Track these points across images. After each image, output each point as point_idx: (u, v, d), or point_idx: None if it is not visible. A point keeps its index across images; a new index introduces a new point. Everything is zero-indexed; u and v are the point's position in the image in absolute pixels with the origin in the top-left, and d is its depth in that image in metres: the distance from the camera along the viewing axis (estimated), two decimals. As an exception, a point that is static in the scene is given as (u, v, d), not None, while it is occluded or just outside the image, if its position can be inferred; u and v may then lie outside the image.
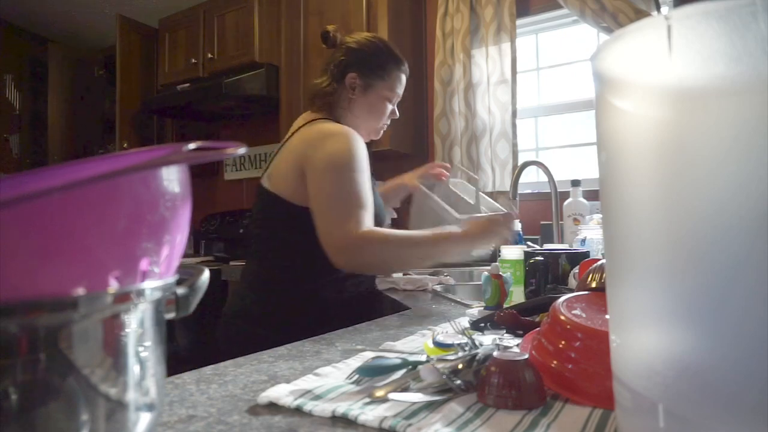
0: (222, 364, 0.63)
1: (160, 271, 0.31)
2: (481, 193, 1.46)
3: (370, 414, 0.44)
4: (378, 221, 1.21)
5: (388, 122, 1.35)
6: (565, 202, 1.71)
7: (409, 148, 2.30)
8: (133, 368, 0.29)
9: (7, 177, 0.32)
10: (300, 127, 1.23)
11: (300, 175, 1.14)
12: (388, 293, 1.28)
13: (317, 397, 0.49)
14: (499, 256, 1.20)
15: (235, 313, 1.23)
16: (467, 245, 1.11)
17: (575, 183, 1.70)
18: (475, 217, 1.23)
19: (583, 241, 1.26)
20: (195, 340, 2.29)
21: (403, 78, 1.33)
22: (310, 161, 1.13)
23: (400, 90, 1.33)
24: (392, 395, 0.48)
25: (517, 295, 1.07)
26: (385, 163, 2.53)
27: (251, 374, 0.59)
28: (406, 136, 2.29)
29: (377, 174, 2.69)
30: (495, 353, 0.51)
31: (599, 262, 0.72)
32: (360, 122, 1.29)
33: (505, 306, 0.90)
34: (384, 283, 1.45)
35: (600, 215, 0.96)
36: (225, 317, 1.25)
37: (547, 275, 0.98)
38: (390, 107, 1.32)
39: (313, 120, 1.24)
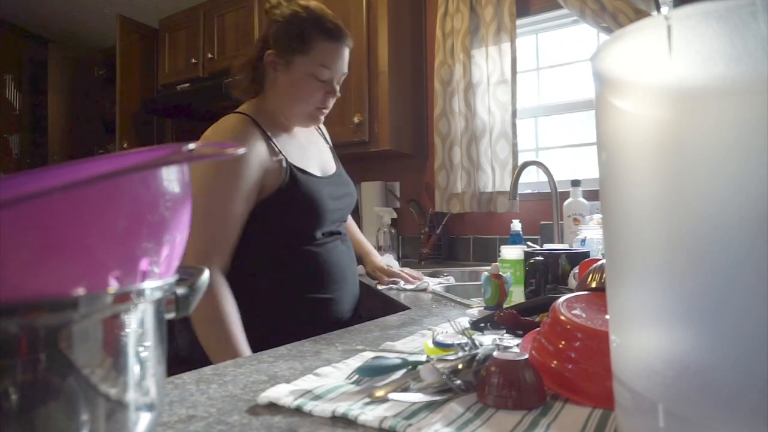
0: (222, 364, 0.63)
1: (160, 271, 0.31)
2: None
3: (370, 414, 0.44)
4: (314, 214, 1.12)
5: (329, 104, 1.19)
6: (565, 202, 1.71)
7: (409, 148, 2.30)
8: (133, 368, 0.29)
9: (7, 177, 0.32)
10: None
11: None
12: (387, 293, 1.28)
13: (317, 397, 0.49)
14: (499, 256, 1.20)
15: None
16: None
17: (575, 183, 1.70)
18: None
19: (583, 241, 1.26)
20: (195, 340, 2.28)
21: (337, 49, 1.14)
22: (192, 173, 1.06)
23: (334, 64, 1.14)
24: (392, 395, 0.48)
25: (517, 295, 1.07)
26: (385, 163, 2.53)
27: (251, 374, 0.59)
28: (406, 136, 2.29)
29: (378, 174, 2.68)
30: (495, 353, 0.51)
31: (599, 262, 0.72)
32: (286, 105, 1.15)
33: (505, 306, 0.90)
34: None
35: (600, 215, 0.96)
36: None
37: (547, 275, 0.98)
38: (319, 84, 1.14)
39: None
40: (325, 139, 1.39)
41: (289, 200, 1.11)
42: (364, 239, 1.55)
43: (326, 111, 1.20)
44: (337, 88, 1.18)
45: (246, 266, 1.09)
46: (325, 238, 1.17)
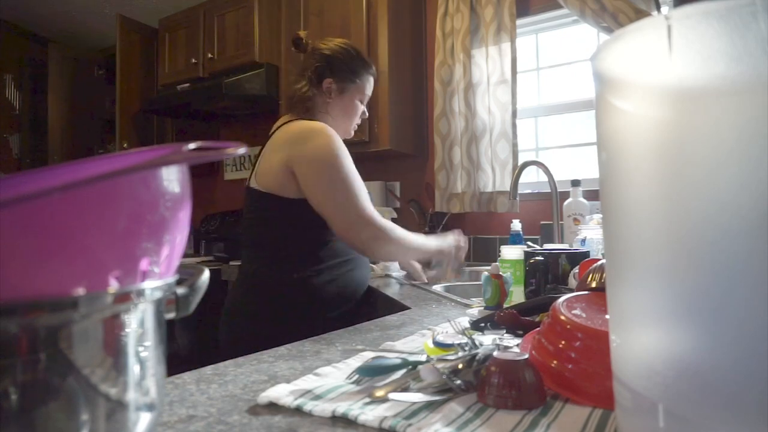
0: (222, 364, 0.63)
1: (160, 271, 0.31)
2: None
3: (370, 414, 0.44)
4: None
5: (360, 121, 1.48)
6: (565, 202, 1.71)
7: (409, 148, 2.30)
8: (133, 368, 0.29)
9: (7, 177, 0.32)
10: (279, 127, 1.32)
11: (287, 170, 1.22)
12: (386, 292, 1.28)
13: (317, 397, 0.49)
14: (499, 256, 1.20)
15: (230, 311, 1.28)
16: (433, 256, 1.41)
17: (575, 183, 1.70)
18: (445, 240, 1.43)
19: (583, 241, 1.26)
20: (195, 340, 2.29)
21: (372, 80, 1.45)
22: (297, 157, 1.22)
23: (369, 91, 1.45)
24: (392, 395, 0.48)
25: (517, 295, 1.07)
26: (385, 163, 2.53)
27: (251, 374, 0.59)
28: (406, 136, 2.29)
29: (378, 174, 2.68)
30: (495, 353, 0.51)
31: (599, 262, 0.72)
32: (336, 123, 1.38)
33: (505, 306, 0.90)
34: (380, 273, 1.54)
35: (600, 215, 0.96)
36: (223, 316, 1.29)
37: (547, 275, 0.98)
38: (361, 107, 1.44)
39: (290, 120, 1.32)
40: None
41: None
42: None
43: (357, 127, 1.50)
44: (366, 110, 1.48)
45: (276, 260, 1.25)
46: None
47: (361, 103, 1.44)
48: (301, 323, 1.20)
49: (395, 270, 1.76)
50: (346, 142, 1.32)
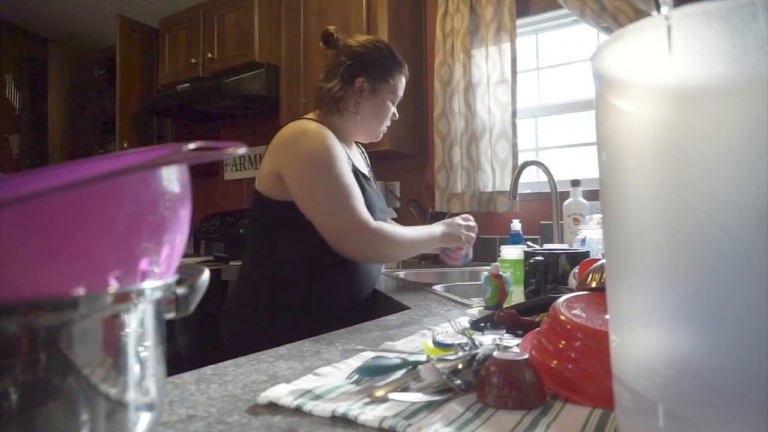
0: (222, 364, 0.63)
1: (160, 271, 0.31)
2: None
3: (370, 414, 0.44)
4: (375, 218, 1.24)
5: (389, 123, 1.39)
6: (565, 202, 1.71)
7: (409, 148, 2.30)
8: (133, 368, 0.29)
9: (7, 177, 0.32)
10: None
11: (275, 174, 1.19)
12: (386, 292, 1.28)
13: (317, 397, 0.49)
14: (499, 256, 1.20)
15: (230, 311, 1.27)
16: (443, 243, 1.37)
17: (575, 183, 1.70)
18: (448, 220, 1.41)
19: (583, 241, 1.26)
20: (195, 340, 2.29)
21: (404, 80, 1.37)
22: (285, 162, 1.18)
23: (401, 92, 1.37)
24: (392, 395, 0.48)
25: (517, 295, 1.07)
26: (385, 163, 2.53)
27: (251, 374, 0.59)
28: (406, 136, 2.29)
29: (377, 174, 2.69)
30: (495, 353, 0.51)
31: (599, 262, 0.72)
32: (366, 124, 1.33)
33: (505, 306, 0.90)
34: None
35: (600, 215, 0.96)
36: (224, 316, 1.28)
37: (547, 275, 0.98)
38: (392, 109, 1.36)
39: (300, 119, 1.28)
40: (363, 154, 1.52)
41: None
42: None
43: (386, 130, 1.41)
44: (396, 111, 1.39)
45: (272, 263, 1.22)
46: None
47: (392, 104, 1.36)
48: (301, 324, 1.19)
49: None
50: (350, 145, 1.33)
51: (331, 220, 1.16)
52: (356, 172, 1.27)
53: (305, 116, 1.31)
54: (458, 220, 1.41)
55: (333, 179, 1.16)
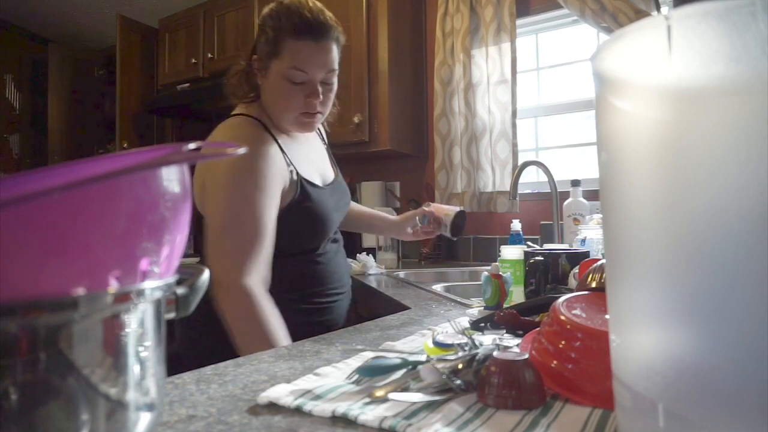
0: (222, 364, 0.63)
1: (160, 271, 0.31)
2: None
3: (370, 414, 0.44)
4: (323, 229, 1.11)
5: (317, 107, 1.06)
6: (565, 202, 1.71)
7: (409, 148, 2.30)
8: (133, 368, 0.29)
9: (7, 177, 0.32)
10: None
11: (202, 182, 1.01)
12: (386, 292, 1.28)
13: (317, 397, 0.49)
14: (499, 256, 1.20)
15: (186, 320, 1.11)
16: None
17: (575, 183, 1.70)
18: None
19: (583, 241, 1.26)
20: (195, 340, 2.28)
21: (309, 47, 1.01)
22: (208, 173, 1.00)
23: (307, 64, 1.01)
24: (392, 395, 0.48)
25: (517, 295, 1.07)
26: (385, 163, 2.53)
27: (251, 374, 0.59)
28: (406, 136, 2.29)
29: (378, 174, 2.68)
30: (495, 353, 0.51)
31: (599, 262, 0.72)
32: (272, 112, 1.08)
33: (505, 306, 0.90)
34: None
35: (600, 215, 0.96)
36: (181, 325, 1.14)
37: (547, 275, 0.98)
38: (297, 88, 1.03)
39: (234, 114, 1.10)
40: (323, 138, 1.31)
41: (299, 216, 1.07)
42: (367, 209, 1.48)
43: (318, 116, 1.08)
44: (320, 89, 1.05)
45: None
46: (326, 247, 1.15)
47: (292, 82, 1.02)
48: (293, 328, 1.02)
49: (372, 267, 1.77)
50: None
51: (211, 253, 0.95)
52: (300, 180, 1.07)
53: (237, 112, 1.11)
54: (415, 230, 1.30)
55: (226, 201, 0.96)
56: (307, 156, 1.16)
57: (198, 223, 1.04)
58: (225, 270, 0.91)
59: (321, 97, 1.05)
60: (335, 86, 1.09)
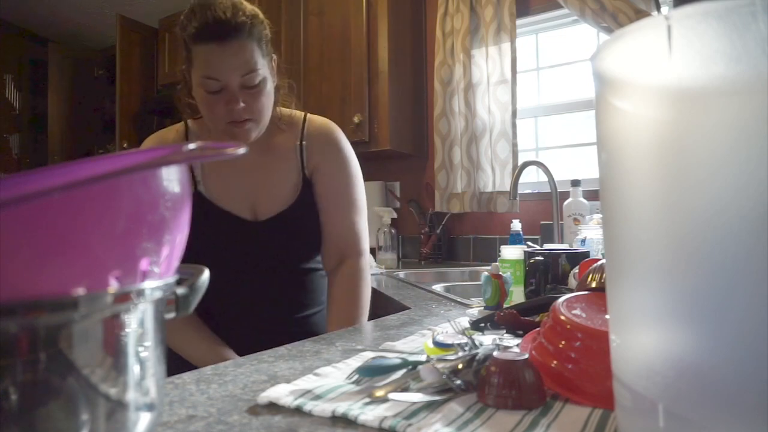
0: (222, 364, 0.63)
1: (160, 271, 0.31)
2: None
3: (370, 414, 0.44)
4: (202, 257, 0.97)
5: (242, 115, 0.92)
6: (565, 202, 1.71)
7: (409, 148, 2.30)
8: (133, 368, 0.29)
9: (7, 177, 0.32)
10: None
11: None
12: (386, 292, 1.28)
13: (317, 397, 0.49)
14: (499, 256, 1.20)
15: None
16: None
17: (575, 183, 1.70)
18: None
19: (583, 241, 1.26)
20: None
21: (214, 51, 0.88)
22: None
23: (216, 70, 0.89)
24: (392, 395, 0.48)
25: (517, 295, 1.07)
26: (385, 163, 2.53)
27: (251, 374, 0.59)
28: (406, 136, 2.29)
29: (377, 174, 2.67)
30: (495, 353, 0.51)
31: (599, 262, 0.72)
32: (208, 123, 0.99)
33: (505, 306, 0.90)
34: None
35: (600, 215, 0.96)
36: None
37: (547, 275, 0.98)
38: (213, 97, 0.91)
39: None
40: (302, 163, 1.08)
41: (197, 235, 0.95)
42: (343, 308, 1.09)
43: (249, 123, 0.94)
44: (242, 94, 0.91)
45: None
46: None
47: (205, 89, 0.90)
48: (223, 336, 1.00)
49: (372, 267, 1.77)
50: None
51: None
52: (203, 202, 0.98)
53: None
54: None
55: None
56: (238, 178, 1.02)
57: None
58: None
59: (242, 103, 0.91)
60: (266, 87, 0.95)
